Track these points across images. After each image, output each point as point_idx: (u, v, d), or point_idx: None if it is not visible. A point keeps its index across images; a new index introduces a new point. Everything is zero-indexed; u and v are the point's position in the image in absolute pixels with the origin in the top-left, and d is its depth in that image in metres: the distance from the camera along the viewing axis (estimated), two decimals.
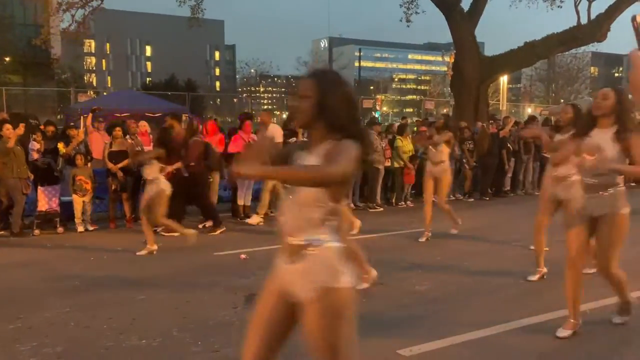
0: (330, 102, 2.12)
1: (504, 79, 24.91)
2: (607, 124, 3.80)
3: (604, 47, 48.44)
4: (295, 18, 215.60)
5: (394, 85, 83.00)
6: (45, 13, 16.61)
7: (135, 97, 17.69)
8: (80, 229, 8.10)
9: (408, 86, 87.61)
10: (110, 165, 8.28)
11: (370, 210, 10.22)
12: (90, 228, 8.16)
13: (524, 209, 11.07)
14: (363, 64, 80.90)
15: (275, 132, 8.66)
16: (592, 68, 68.06)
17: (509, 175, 12.41)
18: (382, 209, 10.40)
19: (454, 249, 7.15)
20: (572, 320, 4.05)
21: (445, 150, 7.57)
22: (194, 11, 17.84)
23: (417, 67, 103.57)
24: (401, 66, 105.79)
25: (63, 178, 8.25)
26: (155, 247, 6.75)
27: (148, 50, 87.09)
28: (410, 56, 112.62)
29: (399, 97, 74.19)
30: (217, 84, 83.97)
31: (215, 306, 4.76)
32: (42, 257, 6.64)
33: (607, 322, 4.40)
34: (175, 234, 7.19)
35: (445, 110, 32.96)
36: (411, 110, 53.51)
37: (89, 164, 8.42)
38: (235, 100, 49.49)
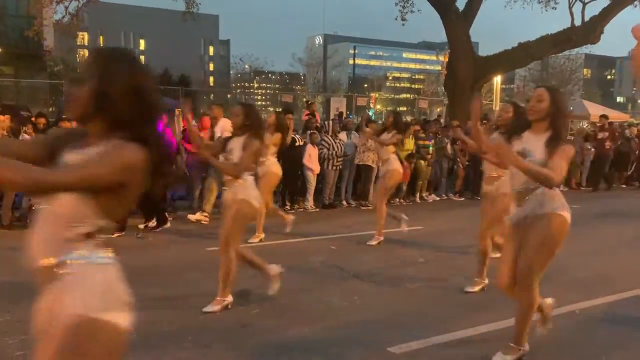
0: (113, 90, 1.65)
1: (497, 79, 24.97)
2: (541, 128, 3.43)
3: (597, 49, 48.76)
4: (291, 14, 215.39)
5: (388, 84, 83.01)
6: (38, 4, 16.46)
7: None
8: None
9: (402, 85, 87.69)
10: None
11: (363, 208, 10.24)
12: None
13: None
14: (357, 61, 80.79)
15: (227, 127, 8.20)
16: (585, 70, 68.36)
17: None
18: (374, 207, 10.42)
19: (445, 246, 7.17)
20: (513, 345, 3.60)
21: (390, 149, 7.27)
22: (188, 5, 17.75)
23: (412, 65, 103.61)
24: (395, 64, 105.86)
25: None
26: None
27: (142, 44, 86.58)
28: (404, 55, 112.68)
29: (393, 95, 74.23)
30: (211, 79, 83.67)
31: (205, 302, 4.75)
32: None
33: (595, 322, 4.44)
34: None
35: (439, 110, 33.03)
36: (405, 109, 53.54)
37: None
38: (229, 95, 49.37)
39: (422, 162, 11.10)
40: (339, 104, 19.26)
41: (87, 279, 1.65)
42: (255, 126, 4.57)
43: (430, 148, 11.16)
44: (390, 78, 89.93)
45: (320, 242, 7.04)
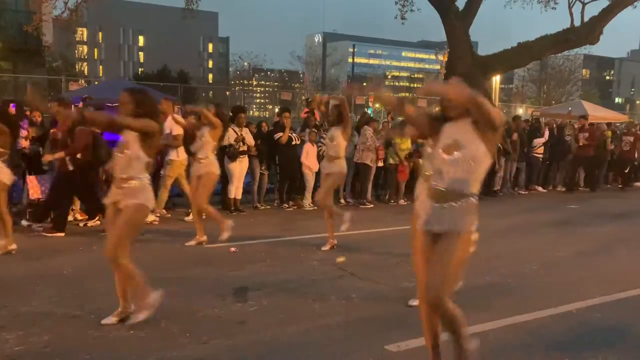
0: None
1: (496, 79, 24.97)
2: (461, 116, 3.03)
3: (596, 50, 48.77)
4: (290, 12, 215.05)
5: (387, 83, 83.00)
6: None
7: (126, 87, 17.52)
8: (69, 218, 8.03)
9: (401, 84, 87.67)
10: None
11: (361, 206, 10.26)
12: (80, 217, 8.10)
13: (501, 208, 11.18)
14: (357, 60, 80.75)
15: (173, 123, 7.93)
16: (584, 70, 68.47)
17: (500, 174, 12.49)
18: (372, 205, 10.43)
19: None
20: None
21: (342, 144, 6.62)
22: (188, 2, 17.68)
23: (411, 64, 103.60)
24: (395, 63, 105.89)
25: (52, 167, 8.17)
26: None
27: (141, 40, 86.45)
28: (404, 54, 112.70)
29: (392, 94, 74.05)
30: (210, 76, 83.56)
31: (203, 298, 4.75)
32: (30, 246, 6.58)
33: (592, 322, 4.45)
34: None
35: (437, 109, 32.99)
36: None
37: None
38: (227, 93, 49.28)
39: (421, 161, 11.08)
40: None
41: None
42: (150, 114, 4.01)
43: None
44: (389, 77, 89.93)
45: (318, 240, 7.04)
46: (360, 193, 10.59)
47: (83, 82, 22.63)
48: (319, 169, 9.95)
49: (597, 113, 18.58)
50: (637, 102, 79.33)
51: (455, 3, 16.90)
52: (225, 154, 9.04)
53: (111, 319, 4.09)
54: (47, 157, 7.28)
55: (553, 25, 18.30)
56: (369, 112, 26.60)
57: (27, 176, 7.93)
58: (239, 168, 9.15)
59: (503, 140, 12.22)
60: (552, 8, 18.72)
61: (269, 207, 9.90)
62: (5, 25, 22.39)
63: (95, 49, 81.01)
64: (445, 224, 2.98)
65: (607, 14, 16.74)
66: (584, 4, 17.36)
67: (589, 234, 8.39)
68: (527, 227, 8.77)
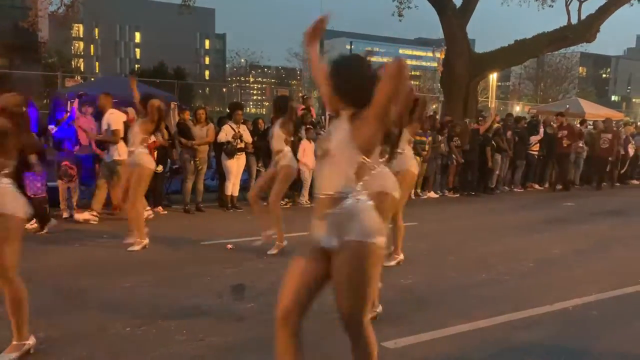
0: None
1: (493, 77, 24.98)
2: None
3: (592, 48, 48.85)
4: (287, 9, 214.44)
5: None
6: None
7: (123, 84, 17.42)
8: (65, 215, 8.01)
9: None
10: (98, 151, 8.20)
11: None
12: (75, 214, 8.08)
13: (497, 206, 11.20)
14: None
15: (113, 118, 7.61)
16: (580, 68, 68.57)
17: (497, 172, 12.52)
18: None
19: (439, 242, 7.19)
20: None
21: (282, 136, 6.23)
22: None
23: (408, 62, 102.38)
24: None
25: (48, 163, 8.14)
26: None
27: (137, 37, 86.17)
28: (401, 51, 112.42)
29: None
30: (207, 72, 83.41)
31: (200, 295, 4.75)
32: (24, 243, 6.55)
33: (588, 319, 4.46)
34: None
35: (434, 106, 33.04)
36: None
37: (76, 149, 8.32)
38: (224, 89, 49.21)
39: (418, 158, 11.09)
40: None
41: None
42: None
43: (427, 145, 11.16)
44: None
45: None
46: None
47: (79, 78, 22.58)
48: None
49: (593, 111, 18.62)
50: (634, 100, 79.56)
51: (453, 0, 16.89)
52: (223, 150, 9.02)
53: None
54: None
55: (550, 23, 18.34)
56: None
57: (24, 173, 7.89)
58: (237, 165, 9.13)
59: (499, 137, 12.25)
60: (549, 6, 18.74)
61: (265, 204, 9.86)
62: (1, 21, 22.31)
63: (92, 45, 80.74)
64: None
65: (603, 12, 16.77)
66: (580, 2, 17.38)
67: (585, 232, 8.41)
68: (523, 224, 8.79)
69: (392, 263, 5.68)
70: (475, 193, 11.98)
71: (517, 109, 33.92)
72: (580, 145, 14.02)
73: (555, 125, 13.55)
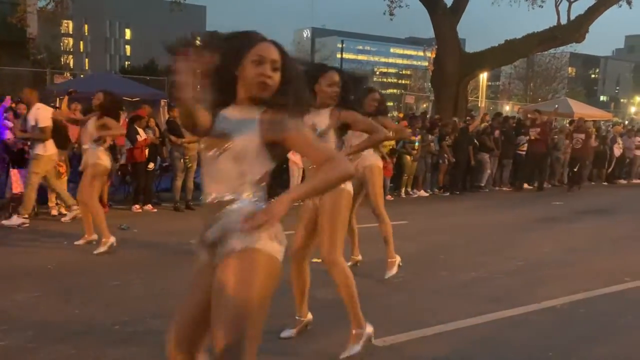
0: None
1: (483, 76, 25.08)
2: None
3: (582, 48, 49.13)
4: (279, 7, 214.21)
5: (375, 79, 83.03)
6: None
7: (113, 81, 17.34)
8: (54, 212, 7.95)
9: (389, 80, 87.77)
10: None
11: None
12: (64, 212, 8.02)
13: (486, 204, 11.26)
14: (345, 56, 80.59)
15: (40, 114, 7.18)
16: (569, 68, 69.02)
17: (488, 171, 12.59)
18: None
19: (430, 241, 7.21)
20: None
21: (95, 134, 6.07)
22: None
23: (399, 61, 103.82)
24: (383, 59, 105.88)
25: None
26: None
27: (127, 34, 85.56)
28: (392, 50, 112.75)
29: (380, 90, 74.27)
30: None
31: None
32: (13, 240, 6.51)
33: (576, 316, 4.50)
34: None
35: (424, 105, 33.15)
36: (391, 104, 53.71)
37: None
38: None
39: (408, 157, 11.14)
40: None
41: None
42: None
43: (417, 144, 11.20)
44: (377, 73, 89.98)
45: None
46: None
47: (68, 75, 22.39)
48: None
49: (582, 111, 18.76)
50: (622, 100, 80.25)
51: (444, 0, 16.96)
52: None
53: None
54: None
55: (540, 23, 18.46)
56: None
57: (11, 169, 7.83)
58: None
59: (486, 136, 12.32)
60: (539, 6, 18.87)
61: None
62: None
63: (81, 42, 80.00)
64: None
65: (593, 13, 16.92)
66: (570, 3, 17.53)
67: (574, 230, 8.48)
68: (513, 223, 8.85)
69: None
70: (460, 192, 12.03)
71: (507, 108, 34.09)
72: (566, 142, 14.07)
73: (528, 124, 13.55)
